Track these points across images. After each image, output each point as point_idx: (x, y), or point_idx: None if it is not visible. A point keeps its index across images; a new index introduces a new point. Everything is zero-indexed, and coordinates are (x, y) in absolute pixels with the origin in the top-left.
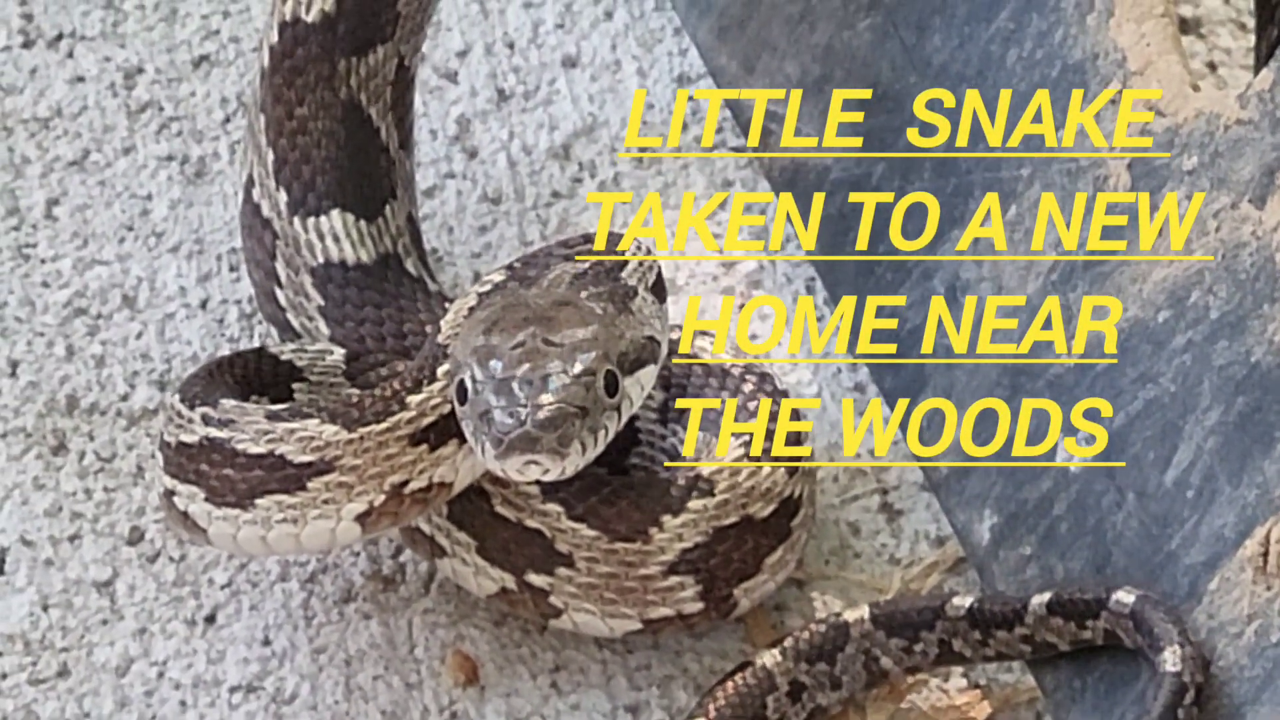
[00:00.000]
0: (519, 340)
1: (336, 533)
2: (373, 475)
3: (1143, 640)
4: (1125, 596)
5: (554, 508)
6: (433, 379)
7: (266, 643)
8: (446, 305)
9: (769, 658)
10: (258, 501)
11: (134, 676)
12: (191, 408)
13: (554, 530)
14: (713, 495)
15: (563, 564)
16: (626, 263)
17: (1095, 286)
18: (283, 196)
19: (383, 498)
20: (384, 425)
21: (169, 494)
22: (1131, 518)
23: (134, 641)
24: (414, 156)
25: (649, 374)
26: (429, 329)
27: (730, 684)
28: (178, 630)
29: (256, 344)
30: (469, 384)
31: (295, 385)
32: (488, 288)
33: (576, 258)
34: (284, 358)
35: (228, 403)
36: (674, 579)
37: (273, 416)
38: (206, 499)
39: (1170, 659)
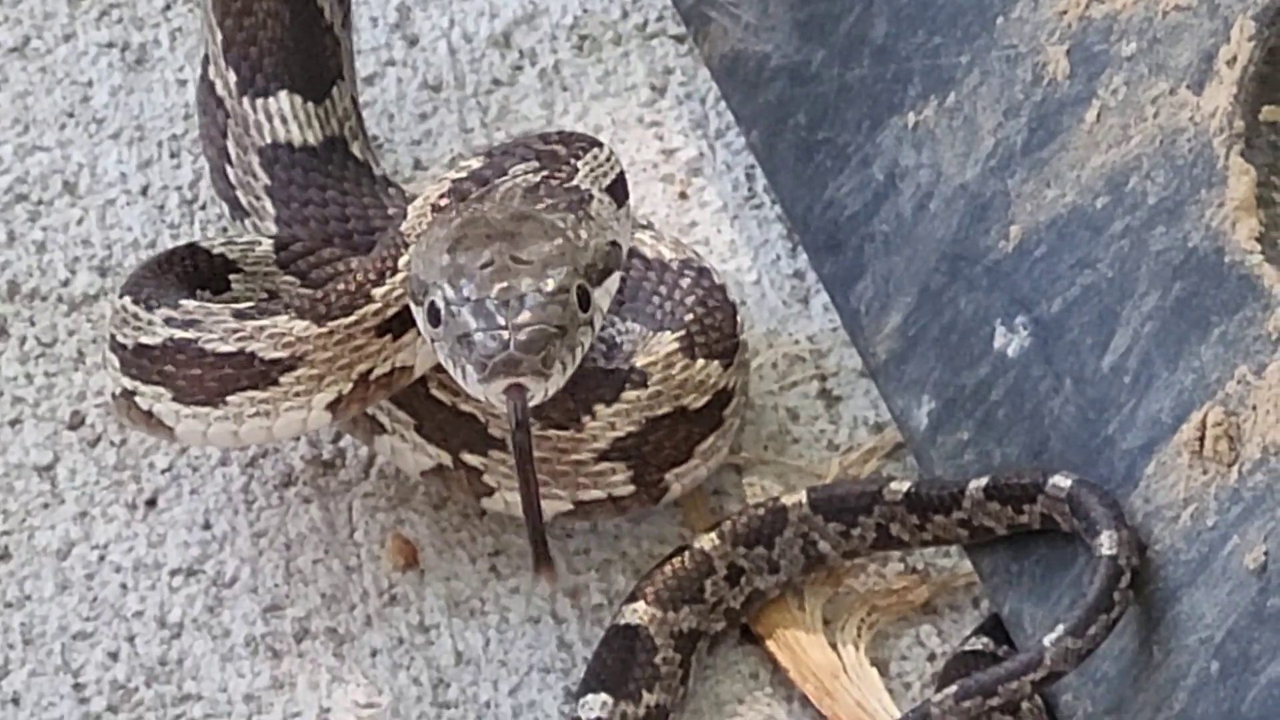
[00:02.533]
0: (487, 259)
1: (308, 422)
2: (341, 366)
3: (1079, 524)
4: (1062, 481)
5: None
6: (394, 270)
7: (207, 526)
8: (391, 190)
9: (707, 541)
10: (229, 399)
11: (75, 560)
12: (149, 309)
13: (488, 414)
14: (646, 387)
15: (496, 446)
16: (579, 168)
17: (1034, 173)
18: (232, 76)
19: (350, 386)
20: (351, 319)
21: (128, 394)
22: (1069, 403)
23: (75, 525)
24: (353, 39)
25: (614, 281)
26: (391, 218)
27: (668, 567)
28: (118, 514)
29: (197, 230)
30: (441, 306)
31: (232, 277)
32: (445, 187)
33: (528, 163)
34: (216, 251)
35: (189, 303)
36: (605, 464)
37: (240, 315)
38: (174, 399)
39: (1106, 543)
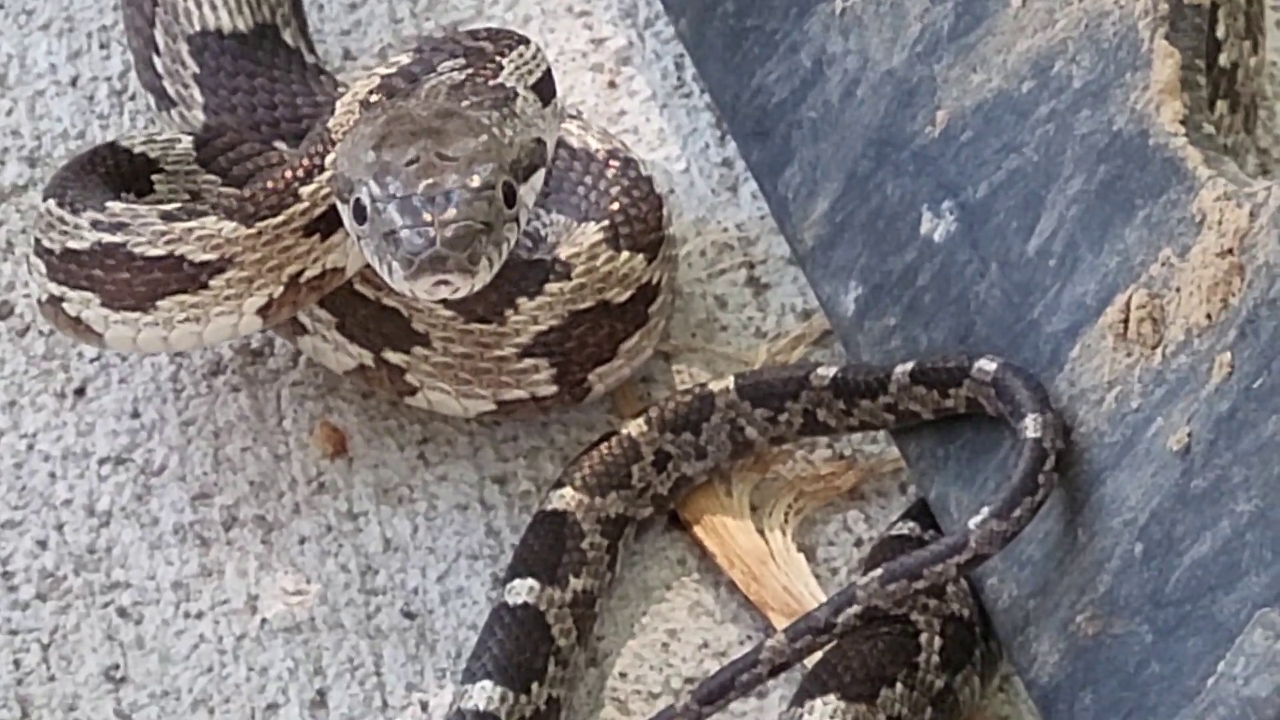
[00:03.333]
0: (412, 156)
1: (239, 327)
2: (271, 268)
3: (1004, 408)
4: (987, 364)
5: None
6: (321, 169)
7: (135, 415)
8: (323, 78)
9: (634, 428)
10: (159, 303)
11: (3, 449)
12: (76, 213)
13: (411, 309)
14: (569, 279)
15: (419, 343)
16: (504, 65)
17: (960, 58)
18: None
19: (281, 289)
20: (280, 219)
21: (56, 300)
22: (994, 287)
23: (3, 415)
24: None
25: (539, 177)
26: (321, 106)
27: (595, 454)
28: (47, 403)
29: (127, 121)
30: (367, 203)
31: (155, 177)
32: (375, 83)
33: (456, 59)
34: (138, 151)
35: (115, 206)
36: (528, 361)
37: (168, 217)
38: (103, 304)
39: (1031, 426)
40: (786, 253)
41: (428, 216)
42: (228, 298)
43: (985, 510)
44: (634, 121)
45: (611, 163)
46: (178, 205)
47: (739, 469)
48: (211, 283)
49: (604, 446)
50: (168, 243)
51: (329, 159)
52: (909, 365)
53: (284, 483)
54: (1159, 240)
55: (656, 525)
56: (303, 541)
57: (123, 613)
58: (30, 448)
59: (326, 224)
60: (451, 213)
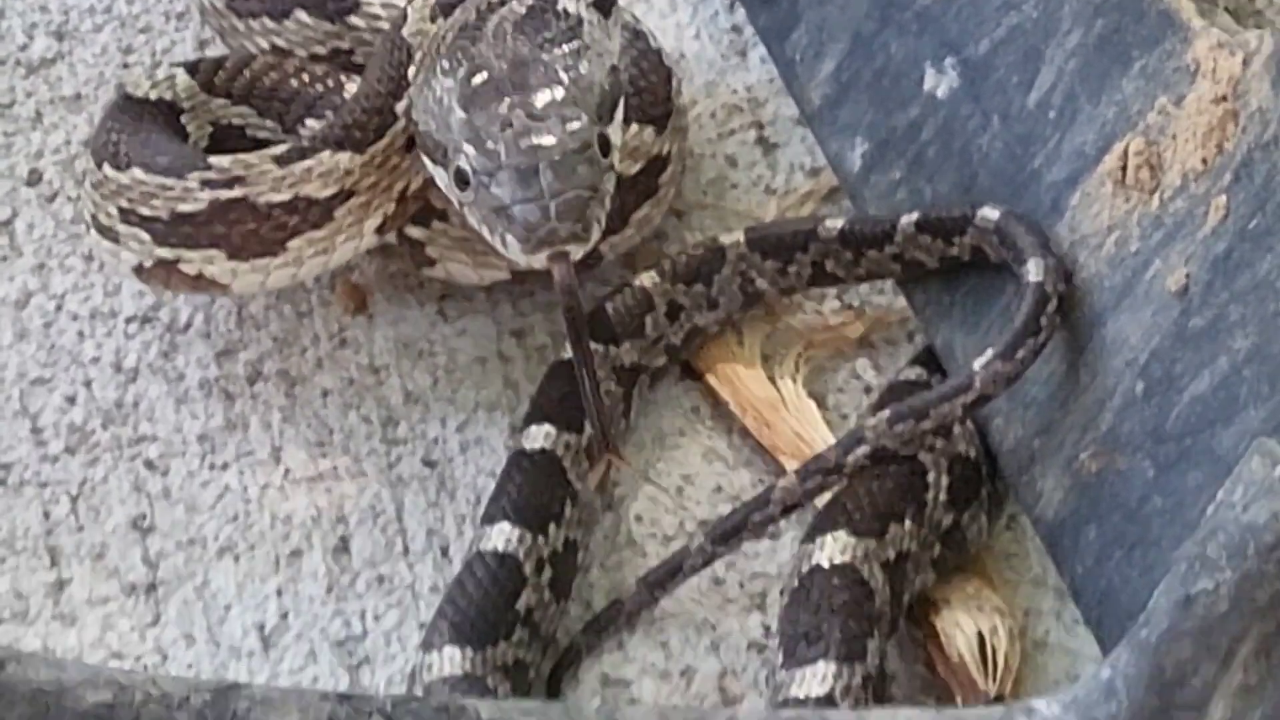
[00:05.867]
0: (504, 117)
1: (360, 247)
2: (384, 188)
3: (1007, 254)
4: (990, 212)
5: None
6: (407, 81)
7: None
8: None
9: (647, 279)
10: (289, 245)
11: (33, 309)
12: (179, 176)
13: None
14: None
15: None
16: None
17: None
18: None
19: (393, 205)
20: (386, 140)
21: (168, 263)
22: (996, 139)
23: (32, 276)
24: None
25: (620, 109)
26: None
27: (609, 305)
28: (75, 265)
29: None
30: (469, 173)
31: (182, 119)
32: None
33: None
34: (155, 98)
35: (222, 161)
36: None
37: (282, 160)
38: (230, 257)
39: (1033, 270)
40: (794, 113)
41: (536, 190)
42: (350, 224)
43: (990, 352)
44: None
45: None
46: (286, 147)
47: (750, 320)
48: (335, 214)
49: (617, 297)
50: (290, 186)
51: (410, 72)
52: (914, 215)
53: (306, 339)
54: (1155, 89)
55: (670, 375)
56: (325, 395)
57: (149, 465)
58: (59, 308)
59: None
60: (559, 184)
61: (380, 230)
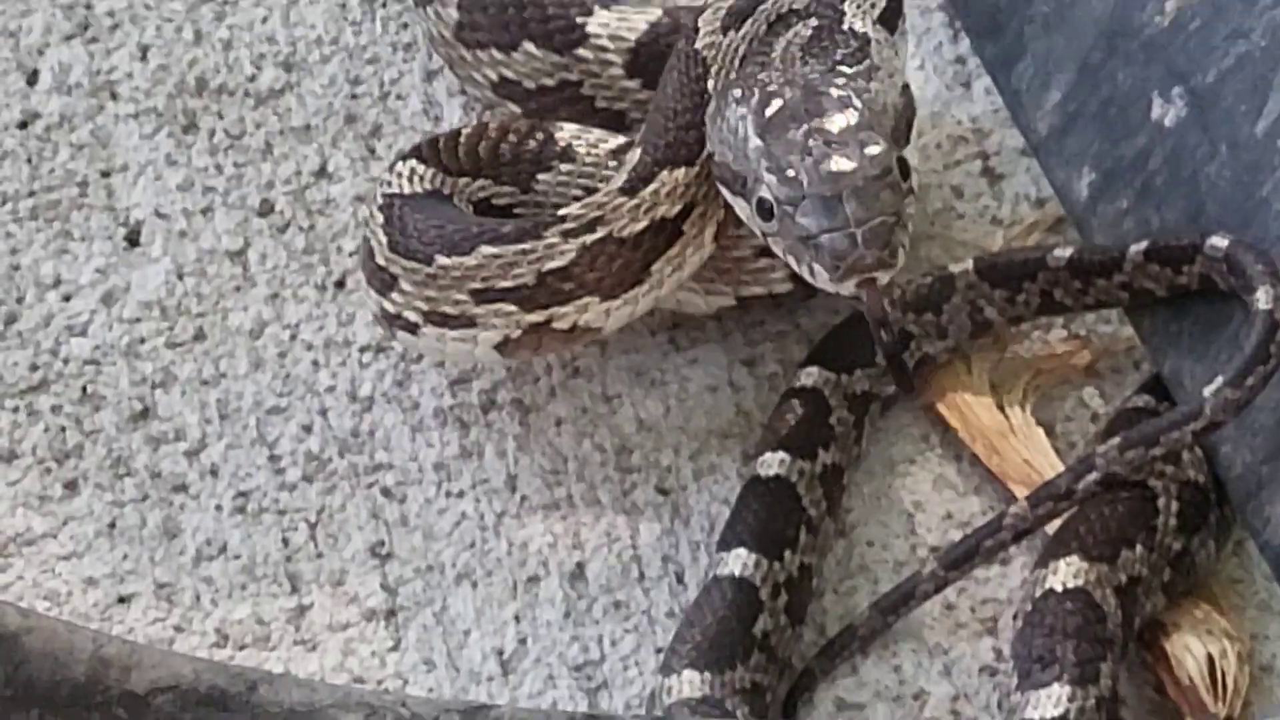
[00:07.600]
0: (798, 142)
1: (703, 256)
2: (715, 196)
3: (1236, 282)
4: (1219, 241)
5: None
6: (708, 94)
7: None
8: None
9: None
10: (652, 269)
11: (267, 339)
12: (536, 237)
13: None
14: None
15: None
16: (844, 9)
17: None
18: None
19: (722, 210)
20: (705, 151)
21: (540, 326)
22: (1224, 168)
23: (266, 306)
24: None
25: (914, 128)
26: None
27: (840, 334)
28: (308, 295)
29: (379, 27)
30: (772, 203)
31: (454, 200)
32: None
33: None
34: (422, 190)
35: (573, 208)
36: (764, 261)
37: (627, 191)
38: (602, 300)
39: (1263, 298)
40: (1019, 144)
41: (842, 218)
42: (695, 235)
43: (1219, 379)
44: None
45: None
46: (626, 176)
47: (978, 348)
48: (684, 229)
49: (848, 328)
50: (646, 212)
51: (709, 84)
52: (1143, 244)
53: (539, 368)
54: None
55: (900, 402)
56: (559, 424)
57: (386, 492)
58: (293, 337)
59: None
60: (865, 212)
61: (717, 237)
